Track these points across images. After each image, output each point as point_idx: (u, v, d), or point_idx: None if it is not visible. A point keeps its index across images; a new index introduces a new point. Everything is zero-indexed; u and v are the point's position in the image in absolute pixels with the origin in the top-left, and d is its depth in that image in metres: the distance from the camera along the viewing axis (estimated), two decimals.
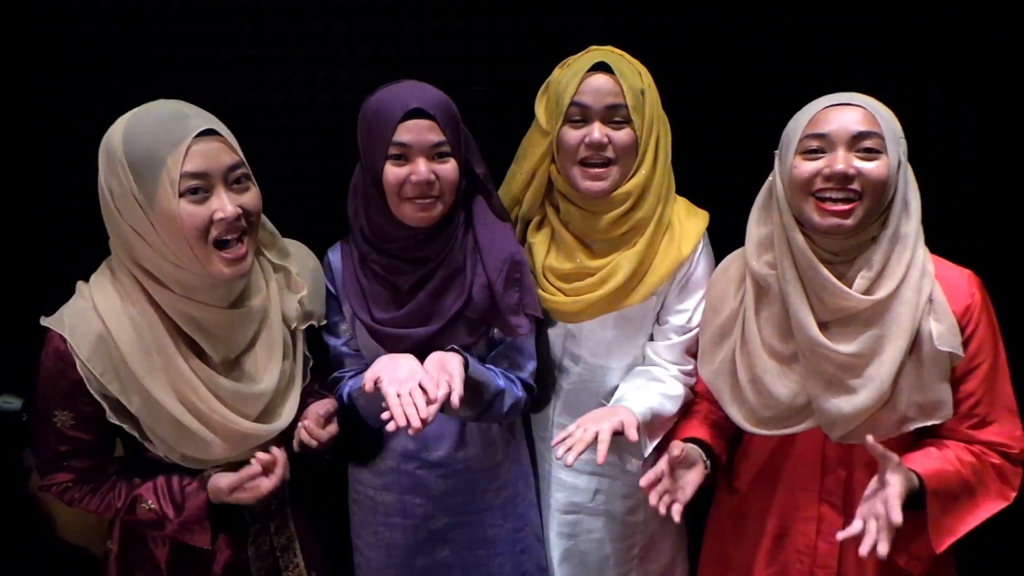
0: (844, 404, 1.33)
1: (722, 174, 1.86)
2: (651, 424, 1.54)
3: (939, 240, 1.41)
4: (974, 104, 1.94)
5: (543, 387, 1.69)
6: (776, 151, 1.40)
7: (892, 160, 1.29)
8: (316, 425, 1.42)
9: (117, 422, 1.33)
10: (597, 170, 1.53)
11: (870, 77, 1.91)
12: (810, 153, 1.32)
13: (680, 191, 1.66)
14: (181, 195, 1.23)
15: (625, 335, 1.63)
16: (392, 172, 1.45)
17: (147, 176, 1.22)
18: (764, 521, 1.49)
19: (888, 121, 1.31)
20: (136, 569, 1.47)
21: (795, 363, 1.38)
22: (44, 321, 1.33)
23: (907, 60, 1.91)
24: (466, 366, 1.45)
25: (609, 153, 1.52)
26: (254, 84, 1.97)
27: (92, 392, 1.30)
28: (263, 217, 1.42)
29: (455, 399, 1.35)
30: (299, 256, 1.55)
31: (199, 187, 1.24)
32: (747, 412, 1.43)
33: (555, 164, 1.59)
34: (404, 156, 1.44)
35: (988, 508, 1.33)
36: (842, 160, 1.28)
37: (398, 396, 1.34)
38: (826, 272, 1.32)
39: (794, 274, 1.35)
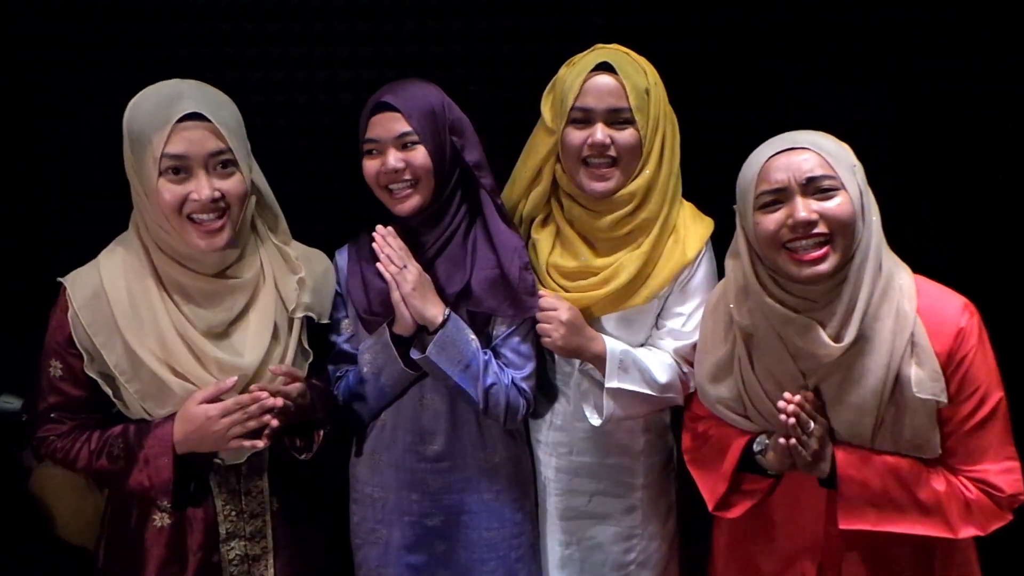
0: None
1: (727, 179, 1.86)
2: (626, 367, 1.55)
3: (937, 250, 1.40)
4: (975, 104, 1.94)
5: (542, 389, 1.69)
6: (735, 206, 1.37)
7: (853, 192, 1.26)
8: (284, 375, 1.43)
9: (92, 374, 1.39)
10: (601, 170, 1.53)
11: (878, 77, 1.92)
12: (768, 207, 1.28)
13: (686, 196, 1.65)
14: (161, 173, 1.31)
15: (624, 337, 1.62)
16: (368, 165, 1.54)
17: (139, 152, 1.33)
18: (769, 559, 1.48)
19: (836, 154, 1.27)
20: (121, 557, 1.48)
21: None
22: (60, 278, 1.42)
23: (913, 59, 1.91)
24: (448, 319, 1.52)
25: (612, 154, 1.52)
26: (254, 84, 1.97)
27: (76, 341, 1.37)
28: (271, 200, 1.51)
29: None
30: (311, 257, 1.57)
31: (179, 167, 1.32)
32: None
33: (560, 163, 1.59)
34: (377, 149, 1.52)
35: (924, 529, 1.30)
36: (802, 207, 1.24)
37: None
38: (802, 324, 1.29)
39: (771, 330, 1.34)
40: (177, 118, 1.30)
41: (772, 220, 1.27)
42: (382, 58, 1.98)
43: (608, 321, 1.62)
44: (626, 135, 1.51)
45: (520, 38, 1.97)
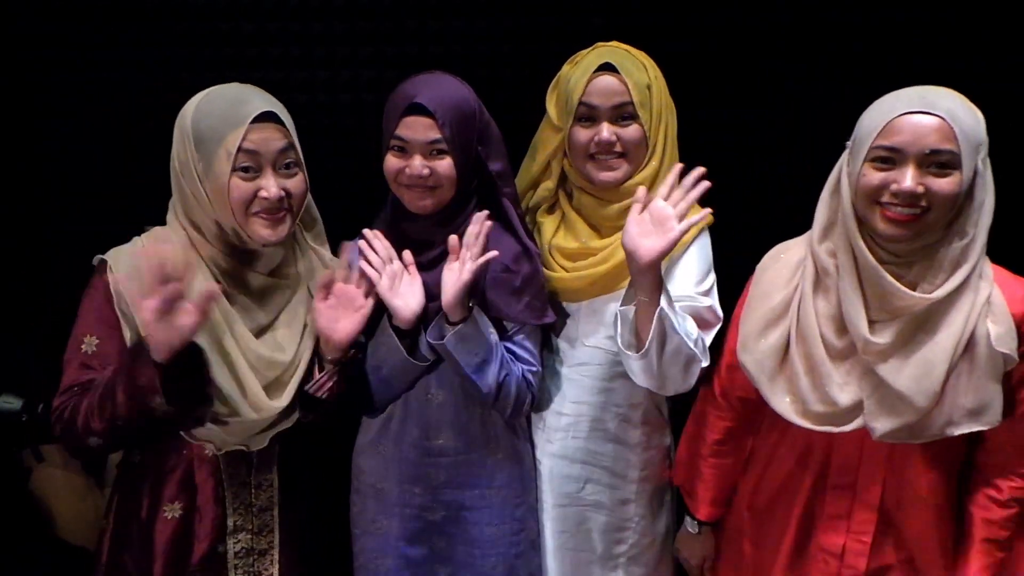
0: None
1: (727, 179, 1.85)
2: (672, 304, 1.45)
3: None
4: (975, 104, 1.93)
5: (543, 376, 1.70)
6: (848, 143, 1.35)
7: (966, 173, 1.24)
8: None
9: (129, 342, 1.37)
10: (609, 161, 1.57)
11: (882, 76, 1.91)
12: (879, 162, 1.27)
13: None
14: (234, 170, 1.35)
15: None
16: (391, 161, 1.53)
17: (207, 150, 1.35)
18: (788, 518, 1.45)
19: (967, 130, 1.24)
20: (127, 548, 1.48)
21: (850, 358, 1.34)
22: (97, 256, 1.42)
23: (916, 59, 1.91)
24: (470, 311, 1.53)
25: (619, 149, 1.56)
26: (254, 84, 1.97)
27: (118, 310, 1.37)
28: (310, 201, 1.53)
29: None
30: (335, 264, 1.58)
31: (250, 166, 1.36)
32: (797, 404, 1.37)
33: (567, 158, 1.63)
34: (404, 149, 1.51)
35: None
36: (911, 179, 1.23)
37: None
38: (889, 278, 1.28)
39: (852, 271, 1.32)
40: (253, 116, 1.35)
41: (878, 177, 1.26)
42: (382, 58, 1.98)
43: (606, 303, 1.62)
44: (631, 131, 1.55)
45: (520, 38, 1.97)
